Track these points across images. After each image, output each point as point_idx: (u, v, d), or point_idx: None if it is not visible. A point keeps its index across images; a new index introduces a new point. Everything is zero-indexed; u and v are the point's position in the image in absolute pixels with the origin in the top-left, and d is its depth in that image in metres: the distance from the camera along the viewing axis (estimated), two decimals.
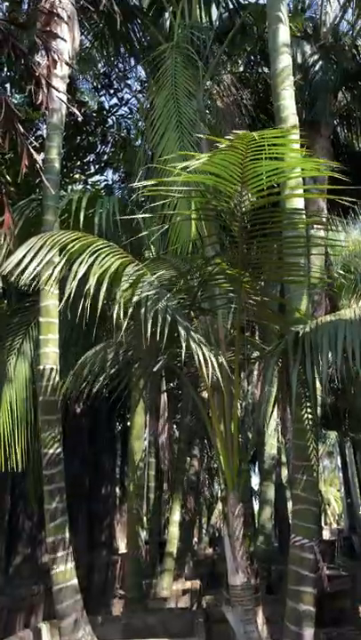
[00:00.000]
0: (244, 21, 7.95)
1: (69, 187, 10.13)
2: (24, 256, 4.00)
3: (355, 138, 8.76)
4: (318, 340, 3.70)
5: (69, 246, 4.00)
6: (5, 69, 8.56)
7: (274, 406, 8.92)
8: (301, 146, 4.07)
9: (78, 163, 9.87)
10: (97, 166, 10.16)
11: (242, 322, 4.71)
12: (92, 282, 3.72)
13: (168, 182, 4.32)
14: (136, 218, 6.41)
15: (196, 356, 3.76)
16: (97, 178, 10.31)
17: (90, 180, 10.22)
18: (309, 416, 4.48)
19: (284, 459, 15.33)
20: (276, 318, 5.04)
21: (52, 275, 4.26)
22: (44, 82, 5.29)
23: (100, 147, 9.98)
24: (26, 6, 7.40)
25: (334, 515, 34.22)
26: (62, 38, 5.76)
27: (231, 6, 8.38)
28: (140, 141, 9.96)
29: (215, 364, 3.90)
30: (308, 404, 4.47)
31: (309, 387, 4.37)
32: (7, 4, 8.01)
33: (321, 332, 3.75)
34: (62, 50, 5.98)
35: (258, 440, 10.57)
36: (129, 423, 9.80)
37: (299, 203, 4.61)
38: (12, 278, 5.00)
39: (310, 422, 4.50)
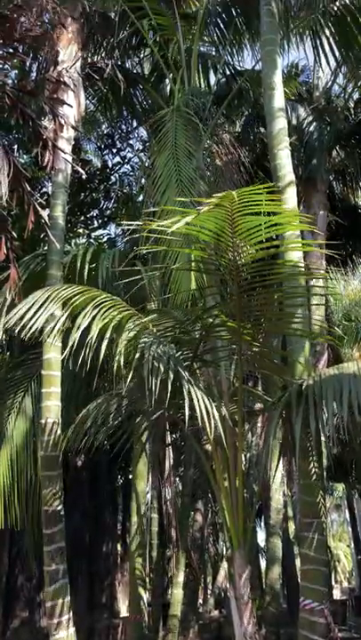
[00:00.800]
0: (241, 86, 8.38)
1: (73, 241, 10.38)
2: (28, 309, 4.08)
3: (350, 192, 9.04)
4: (322, 394, 3.69)
5: (73, 300, 4.08)
6: (14, 132, 8.96)
7: (279, 459, 8.75)
8: (299, 201, 4.21)
9: (82, 218, 10.16)
10: (100, 221, 10.44)
11: (244, 373, 4.71)
12: (95, 334, 3.77)
13: (168, 236, 4.44)
14: (137, 270, 6.56)
15: (198, 410, 3.75)
16: (100, 232, 10.59)
17: (93, 234, 10.49)
18: (316, 470, 4.40)
19: (290, 512, 14.86)
20: (279, 370, 5.04)
21: (55, 327, 4.32)
22: (50, 145, 5.55)
23: (103, 202, 10.30)
24: (34, 74, 7.85)
25: (344, 572, 32.81)
26: (68, 104, 6.07)
27: (228, 73, 8.86)
28: (141, 197, 10.29)
29: (218, 418, 3.88)
30: (314, 458, 4.40)
31: (314, 440, 4.31)
32: (16, 71, 8.50)
33: (325, 385, 3.75)
34: (68, 114, 6.28)
35: (263, 494, 10.30)
36: (131, 476, 9.60)
37: (297, 255, 4.71)
38: (16, 331, 5.05)
39: (317, 477, 4.42)
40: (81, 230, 10.44)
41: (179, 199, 5.02)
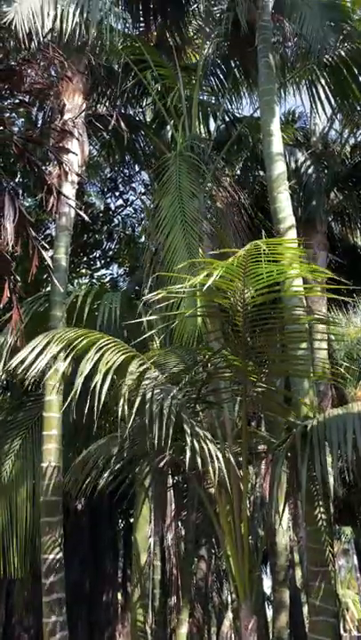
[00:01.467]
0: (240, 132, 8.62)
1: (76, 281, 10.49)
2: (30, 352, 4.08)
3: (349, 232, 9.18)
4: (327, 435, 3.64)
5: (76, 342, 4.08)
6: (19, 176, 9.20)
7: (285, 503, 8.55)
8: (299, 243, 4.28)
9: (85, 258, 10.30)
10: (102, 261, 10.59)
11: (248, 414, 4.67)
12: (98, 378, 3.75)
13: (173, 281, 4.50)
14: (140, 311, 6.59)
15: (201, 453, 3.69)
16: (103, 272, 10.71)
17: (96, 275, 10.61)
18: (322, 515, 4.29)
19: (297, 558, 14.39)
20: (283, 410, 4.98)
21: (56, 370, 4.31)
22: (54, 190, 5.70)
23: (105, 243, 10.46)
24: (40, 122, 8.12)
25: (353, 620, 31.44)
26: (73, 152, 6.25)
27: (228, 119, 9.14)
28: (144, 238, 10.46)
29: (222, 460, 3.82)
30: (320, 502, 4.30)
31: (320, 484, 4.22)
32: (23, 120, 8.80)
33: (329, 426, 3.70)
34: (72, 161, 6.46)
35: (269, 539, 10.00)
36: (132, 519, 9.35)
37: (300, 299, 4.74)
38: (18, 373, 5.04)
39: (324, 522, 4.30)
40: (84, 271, 10.56)
41: (190, 261, 5.11)
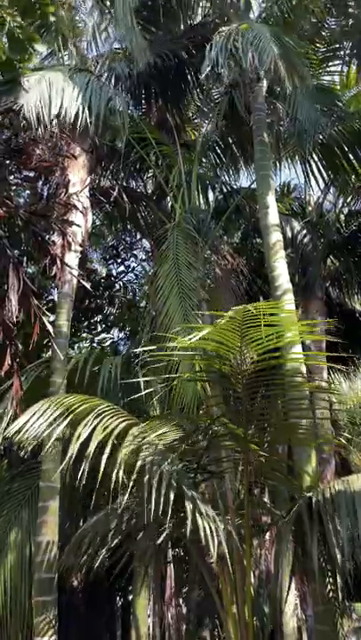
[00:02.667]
0: (238, 203, 8.98)
1: (76, 345, 10.54)
2: (28, 419, 4.06)
3: (347, 298, 9.33)
4: (334, 509, 3.54)
5: (74, 408, 4.07)
6: (22, 245, 9.46)
7: (291, 578, 8.15)
8: (297, 308, 4.35)
9: (86, 323, 10.40)
10: (103, 326, 10.69)
11: (250, 484, 4.55)
12: (94, 445, 3.71)
13: (175, 344, 4.54)
14: (140, 375, 6.60)
15: (202, 527, 3.57)
16: (103, 336, 10.78)
17: (96, 339, 10.67)
18: (332, 593, 4.09)
19: (305, 638, 13.47)
20: (285, 480, 4.86)
21: (55, 437, 4.26)
22: (58, 260, 5.87)
23: (107, 308, 10.61)
24: (45, 194, 8.47)
25: None
26: (77, 224, 6.48)
27: (225, 191, 9.55)
28: (144, 303, 10.62)
29: (223, 535, 3.69)
30: (329, 580, 4.11)
31: (328, 560, 4.06)
32: (28, 193, 9.17)
33: (336, 499, 3.61)
34: (76, 232, 6.69)
35: (275, 618, 9.42)
36: (131, 597, 8.86)
37: (300, 366, 4.76)
38: (16, 440, 4.98)
39: (333, 601, 4.09)
40: (85, 335, 10.64)
41: (185, 325, 5.20)
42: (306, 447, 4.59)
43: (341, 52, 8.28)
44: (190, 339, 3.73)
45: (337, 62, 8.51)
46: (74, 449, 3.68)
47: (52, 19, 7.42)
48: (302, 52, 7.04)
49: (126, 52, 8.49)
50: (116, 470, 3.67)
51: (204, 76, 6.00)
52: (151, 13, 8.32)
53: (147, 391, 5.60)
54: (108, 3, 7.90)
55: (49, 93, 6.35)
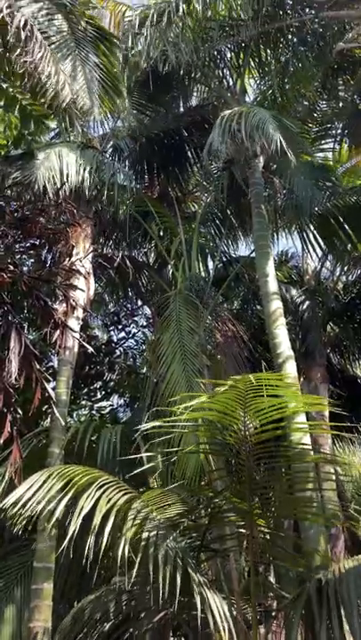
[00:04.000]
0: (238, 271, 9.16)
1: (75, 413, 10.37)
2: (26, 491, 3.92)
3: (348, 364, 9.31)
4: (345, 592, 3.34)
5: (75, 479, 3.94)
6: (25, 310, 9.54)
7: None
8: (299, 375, 4.30)
9: (85, 390, 10.28)
10: (103, 392, 10.55)
11: (255, 564, 4.32)
12: (99, 518, 3.56)
13: (175, 415, 4.46)
14: (141, 446, 6.45)
15: (209, 612, 3.35)
16: (103, 403, 10.62)
17: (96, 406, 10.51)
18: None
19: None
20: (293, 559, 4.63)
21: (52, 512, 4.08)
22: (60, 325, 5.90)
23: (107, 375, 10.52)
24: (49, 261, 8.65)
25: None
26: (80, 289, 6.58)
27: (225, 259, 9.77)
28: (145, 369, 10.55)
29: (229, 619, 3.45)
30: None
31: None
32: (32, 260, 9.37)
33: (347, 580, 3.41)
34: (78, 297, 6.77)
35: None
36: None
37: (304, 436, 4.66)
38: (12, 513, 4.77)
39: None
40: (84, 402, 10.49)
41: (187, 394, 5.16)
42: (314, 523, 4.39)
43: (333, 132, 8.75)
44: (192, 409, 3.68)
45: (329, 140, 8.99)
46: (76, 524, 3.52)
47: (62, 99, 7.97)
48: (297, 131, 7.45)
49: (129, 129, 8.99)
50: (120, 547, 3.49)
51: (204, 152, 6.30)
52: (152, 94, 8.87)
53: (148, 466, 5.43)
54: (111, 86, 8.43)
55: (59, 166, 6.66)
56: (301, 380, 7.39)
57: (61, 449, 5.92)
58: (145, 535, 3.59)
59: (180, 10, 7.14)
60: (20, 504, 3.84)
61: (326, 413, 7.11)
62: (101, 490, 3.83)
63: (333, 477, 6.47)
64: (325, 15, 7.03)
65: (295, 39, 7.87)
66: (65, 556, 4.80)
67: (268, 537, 4.28)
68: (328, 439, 7.19)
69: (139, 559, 3.63)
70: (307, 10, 7.68)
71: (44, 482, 4.00)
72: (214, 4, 7.48)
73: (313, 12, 7.51)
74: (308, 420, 5.33)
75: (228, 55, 8.23)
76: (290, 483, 4.37)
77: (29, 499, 3.84)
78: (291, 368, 5.57)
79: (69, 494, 3.81)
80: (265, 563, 6.16)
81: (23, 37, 6.09)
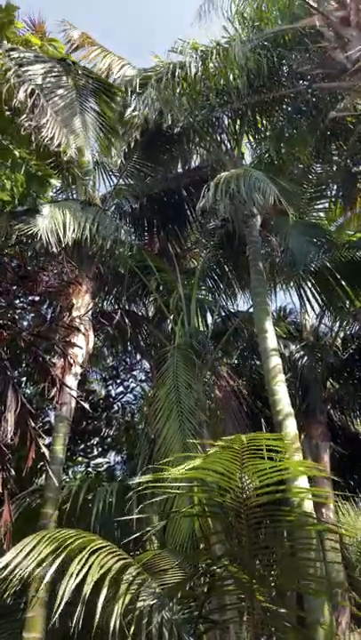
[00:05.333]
0: (236, 325, 9.20)
1: (71, 470, 10.12)
2: (17, 554, 3.77)
3: (349, 421, 9.17)
4: None
5: (67, 543, 3.80)
6: (23, 365, 9.50)
7: None
8: (300, 432, 4.21)
9: (82, 446, 10.08)
10: (100, 449, 10.34)
11: (257, 636, 4.07)
12: (90, 586, 3.39)
13: (170, 475, 4.34)
14: (137, 506, 6.24)
15: None
16: (99, 460, 10.38)
17: (92, 463, 10.26)
18: None
19: None
20: (296, 631, 4.36)
21: (42, 578, 3.90)
22: (58, 382, 5.86)
23: (104, 430, 10.35)
24: (49, 317, 8.70)
25: None
26: (79, 346, 6.58)
27: (224, 314, 9.83)
28: (142, 425, 10.39)
29: None
30: None
31: None
32: (32, 315, 9.43)
33: None
34: (77, 353, 6.76)
35: None
36: None
37: (306, 500, 4.52)
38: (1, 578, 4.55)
39: None
40: (80, 459, 10.25)
41: (182, 454, 5.07)
42: (318, 595, 4.17)
43: (328, 193, 9.05)
44: (189, 468, 3.58)
45: (324, 201, 9.27)
46: (67, 591, 3.35)
47: (65, 158, 8.31)
48: (293, 192, 7.70)
49: (131, 188, 9.30)
50: (112, 617, 3.31)
51: (202, 212, 6.48)
52: (153, 155, 9.23)
53: (145, 530, 5.25)
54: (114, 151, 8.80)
55: (62, 221, 6.83)
56: (302, 437, 7.26)
57: (55, 509, 5.74)
58: (139, 604, 3.41)
59: (177, 75, 7.55)
60: (9, 569, 3.67)
61: (328, 472, 6.95)
62: (94, 555, 3.68)
63: (337, 545, 6.22)
64: (318, 86, 7.43)
65: (290, 108, 8.28)
66: (55, 624, 4.55)
67: (269, 607, 4.06)
68: (331, 502, 6.97)
69: (132, 630, 3.44)
70: (301, 81, 8.12)
71: (35, 546, 3.85)
72: (211, 74, 7.90)
73: (306, 83, 7.93)
74: (309, 479, 5.18)
75: (226, 121, 8.63)
76: (292, 550, 4.19)
77: (19, 563, 3.67)
78: (291, 426, 5.49)
79: (60, 559, 3.66)
80: (267, 635, 5.83)
81: (30, 104, 6.43)
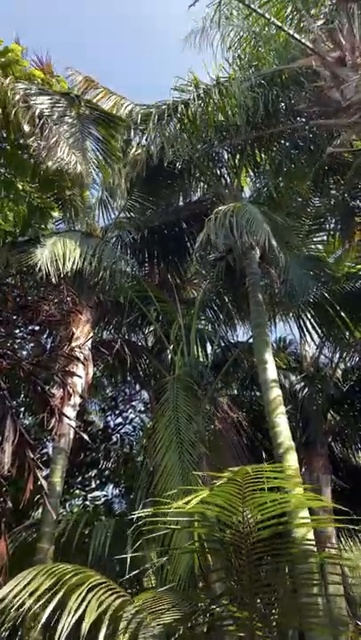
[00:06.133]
0: (236, 356, 9.19)
1: (68, 503, 9.93)
2: (12, 589, 3.67)
3: (350, 453, 9.06)
4: None
5: (65, 579, 3.71)
6: (22, 395, 9.45)
7: None
8: (301, 465, 4.14)
9: (80, 478, 9.91)
10: (98, 481, 10.16)
11: None
12: (87, 625, 3.29)
13: (170, 509, 4.26)
14: (135, 541, 6.11)
15: None
16: (97, 493, 10.19)
17: (90, 496, 10.07)
18: None
19: None
20: None
21: (38, 615, 3.78)
22: (57, 412, 5.82)
23: (102, 462, 10.20)
24: (49, 346, 8.70)
25: None
26: (78, 375, 6.57)
27: (223, 344, 9.83)
28: (141, 457, 10.25)
29: None
30: None
31: None
32: (32, 345, 9.43)
33: None
34: (76, 383, 6.74)
35: None
36: None
37: (308, 533, 4.43)
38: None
39: None
40: (78, 491, 10.07)
41: (183, 487, 5.01)
42: (321, 634, 4.05)
43: (326, 226, 9.18)
44: (189, 502, 3.52)
45: (322, 234, 9.40)
46: (64, 628, 3.26)
47: (68, 193, 8.47)
48: (291, 225, 7.81)
49: (132, 220, 9.45)
50: None
51: (201, 244, 6.55)
52: (154, 188, 9.39)
53: (143, 568, 5.12)
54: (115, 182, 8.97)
55: (63, 251, 6.90)
56: (303, 470, 7.16)
57: (52, 544, 5.62)
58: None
59: (179, 111, 7.77)
60: (4, 603, 3.57)
61: (330, 508, 6.82)
62: (92, 592, 3.59)
63: (340, 579, 6.06)
64: (315, 123, 7.63)
65: (288, 143, 8.48)
66: None
67: None
68: (333, 537, 6.82)
69: None
70: (298, 118, 8.35)
71: (32, 580, 3.76)
72: (211, 111, 8.12)
73: (304, 120, 8.15)
74: (310, 514, 5.08)
75: (225, 156, 8.83)
76: (294, 586, 4.09)
77: (14, 598, 3.57)
78: (292, 459, 5.42)
79: (58, 595, 3.56)
80: None
81: (39, 125, 6.60)
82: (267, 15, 7.66)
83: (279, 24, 7.59)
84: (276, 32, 7.99)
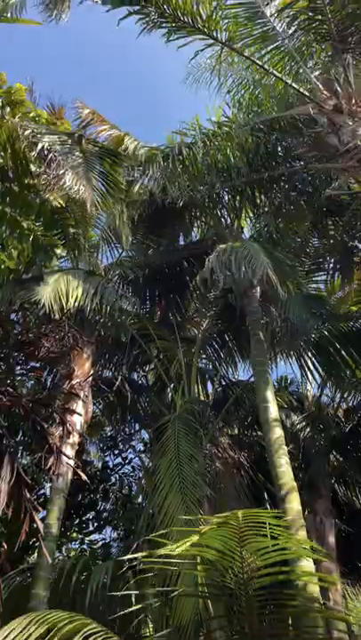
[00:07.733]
0: (237, 395, 9.11)
1: (64, 547, 9.66)
2: (4, 637, 3.55)
3: (354, 496, 8.85)
4: None
5: (60, 626, 3.58)
6: (20, 433, 9.33)
7: None
8: (303, 507, 4.02)
9: (77, 521, 9.67)
10: (96, 524, 9.90)
11: None
12: None
13: (167, 551, 4.14)
14: (134, 585, 5.91)
15: None
16: (95, 536, 9.92)
17: (87, 539, 9.80)
18: None
19: None
20: None
21: None
22: (55, 451, 5.73)
23: (100, 504, 9.97)
24: (49, 383, 8.65)
25: None
26: (78, 413, 6.51)
27: (224, 383, 9.77)
28: (140, 499, 10.03)
29: None
30: None
31: None
32: (32, 382, 9.38)
33: None
34: (75, 422, 6.67)
35: None
36: None
37: (312, 585, 4.28)
38: None
39: None
40: (75, 534, 9.80)
41: (184, 529, 4.89)
42: None
43: (325, 266, 9.29)
44: (185, 545, 3.41)
45: (322, 274, 9.50)
46: None
47: (72, 231, 8.63)
48: (290, 264, 7.91)
49: (133, 260, 9.58)
50: None
51: (201, 283, 6.61)
52: (155, 228, 9.57)
53: (142, 615, 4.94)
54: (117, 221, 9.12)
55: (66, 289, 6.95)
56: (306, 512, 6.98)
57: (47, 590, 5.43)
58: None
59: (183, 154, 8.01)
60: None
61: (334, 555, 6.63)
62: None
63: (345, 635, 5.81)
64: (313, 167, 7.84)
65: (287, 185, 8.69)
66: None
67: None
68: (338, 585, 6.58)
69: None
70: (297, 161, 8.58)
71: (25, 628, 3.64)
72: (213, 153, 8.35)
73: (302, 163, 8.38)
74: (314, 560, 4.92)
75: (226, 198, 9.03)
76: (298, 639, 3.92)
77: None
78: (295, 500, 5.30)
79: None
80: None
81: (47, 160, 6.77)
82: (266, 66, 7.97)
83: (278, 74, 7.90)
84: (275, 81, 8.31)
